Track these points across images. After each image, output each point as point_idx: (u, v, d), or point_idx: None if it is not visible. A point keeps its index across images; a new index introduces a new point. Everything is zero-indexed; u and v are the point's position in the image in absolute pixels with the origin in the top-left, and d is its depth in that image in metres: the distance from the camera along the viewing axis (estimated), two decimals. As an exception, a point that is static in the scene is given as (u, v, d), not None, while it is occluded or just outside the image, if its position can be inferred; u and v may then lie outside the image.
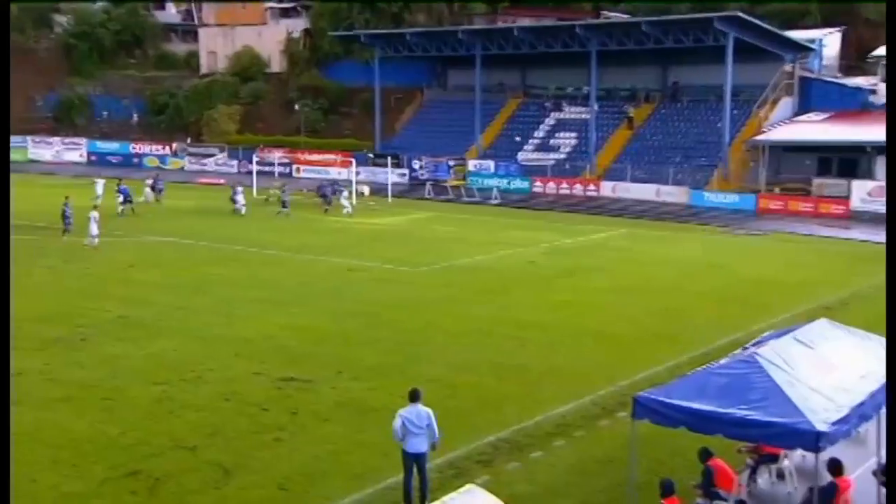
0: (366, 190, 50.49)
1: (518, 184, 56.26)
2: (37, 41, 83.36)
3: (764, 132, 51.74)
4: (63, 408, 15.47)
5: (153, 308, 23.01)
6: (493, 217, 44.72)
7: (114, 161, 70.70)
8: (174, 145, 70.94)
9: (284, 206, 42.14)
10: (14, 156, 71.63)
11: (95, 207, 34.71)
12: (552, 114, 62.37)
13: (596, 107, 57.21)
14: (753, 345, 13.52)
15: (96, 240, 31.26)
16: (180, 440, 14.15)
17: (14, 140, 73.77)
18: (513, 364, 18.79)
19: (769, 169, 50.26)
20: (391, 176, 54.06)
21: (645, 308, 24.32)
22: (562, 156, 58.63)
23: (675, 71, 59.87)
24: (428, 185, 54.40)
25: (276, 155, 60.17)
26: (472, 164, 59.07)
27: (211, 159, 68.33)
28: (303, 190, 49.81)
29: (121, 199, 41.53)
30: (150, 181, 47.95)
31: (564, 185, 54.92)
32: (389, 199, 49.92)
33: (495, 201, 50.63)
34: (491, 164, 58.64)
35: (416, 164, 60.45)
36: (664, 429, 11.59)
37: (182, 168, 67.08)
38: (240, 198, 43.73)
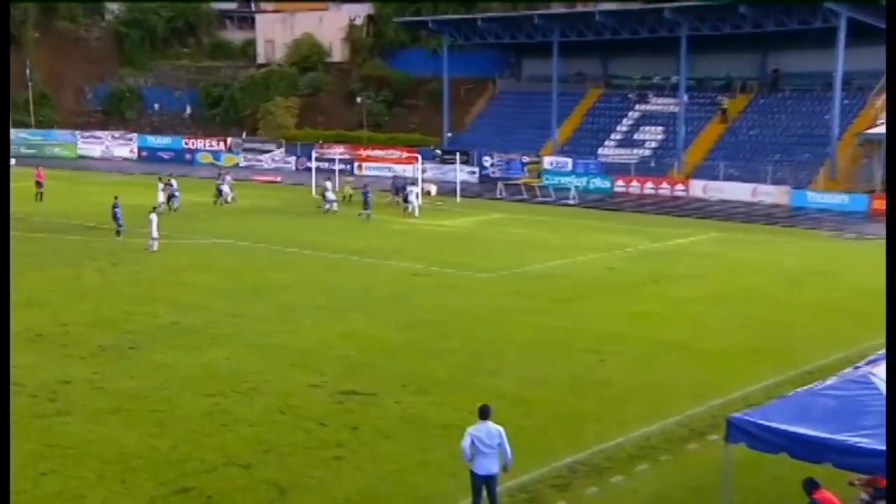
0: (432, 189, 50.72)
1: (598, 183, 55.88)
2: (87, 30, 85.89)
3: (881, 124, 50.23)
4: (112, 420, 15.87)
5: (206, 314, 23.47)
6: (570, 219, 44.48)
7: (165, 157, 72.40)
8: (229, 140, 72.32)
9: (367, 207, 42.31)
10: (63, 152, 74.12)
11: (154, 209, 35.59)
12: (637, 106, 61.82)
13: (685, 98, 56.47)
14: (867, 363, 13.13)
15: (156, 243, 31.99)
16: (233, 456, 14.38)
17: (63, 135, 76.31)
18: (592, 380, 18.64)
19: (886, 166, 48.80)
20: (460, 174, 54.19)
21: (739, 320, 23.88)
22: (647, 152, 58.04)
23: (776, 57, 58.65)
24: (500, 184, 54.40)
25: (337, 151, 60.86)
26: (547, 162, 58.86)
27: (267, 155, 69.44)
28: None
29: (162, 197, 42.65)
30: (227, 178, 49.14)
31: (649, 184, 54.35)
32: (458, 199, 50.05)
33: (573, 202, 50.36)
34: (568, 161, 58.34)
35: (486, 162, 60.52)
36: (761, 455, 11.32)
37: (237, 164, 68.30)
38: (331, 194, 44.62)
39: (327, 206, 44.20)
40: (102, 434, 15.15)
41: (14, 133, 74.52)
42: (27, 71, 75.72)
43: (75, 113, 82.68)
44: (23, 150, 72.86)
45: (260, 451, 14.60)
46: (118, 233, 34.65)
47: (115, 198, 35.58)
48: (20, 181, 50.25)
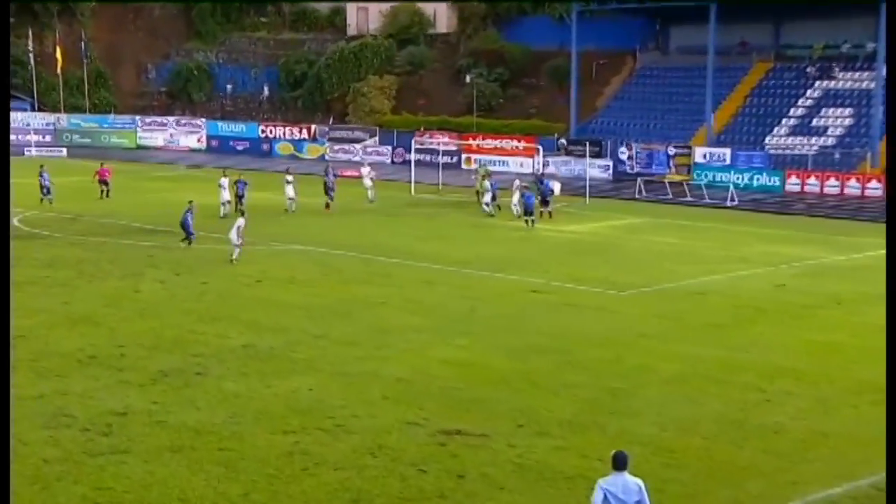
0: (556, 187, 50.59)
1: (764, 180, 55.09)
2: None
3: None
4: (174, 460, 16.31)
5: (285, 335, 23.93)
6: (728, 224, 43.88)
7: (238, 147, 74.20)
8: (313, 128, 73.69)
9: (529, 213, 41.40)
10: (121, 140, 76.92)
11: (242, 213, 36.30)
12: (817, 83, 60.57)
13: (885, 71, 54.84)
14: None
15: (238, 251, 32.66)
16: (316, 506, 14.65)
17: (122, 121, 79.19)
18: (756, 425, 18.29)
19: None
20: (590, 169, 54.00)
21: (948, 355, 23.07)
22: (830, 141, 56.81)
23: None
24: (639, 182, 54.00)
25: (441, 140, 61.29)
26: (700, 154, 58.14)
27: (358, 146, 70.44)
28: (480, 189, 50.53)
29: (226, 195, 43.42)
30: (371, 173, 50.63)
31: (832, 181, 53.23)
32: (587, 200, 49.94)
33: (732, 203, 49.59)
34: (727, 152, 57.54)
35: (623, 154, 60.13)
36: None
37: (323, 156, 69.37)
38: (488, 197, 44.87)
39: (497, 210, 44.35)
40: (163, 476, 15.59)
41: (66, 119, 77.81)
42: (82, 45, 78.68)
43: (135, 95, 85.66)
44: (76, 139, 75.95)
45: (347, 501, 14.79)
46: (188, 241, 35.30)
47: (190, 202, 36.04)
48: (73, 175, 52.47)
